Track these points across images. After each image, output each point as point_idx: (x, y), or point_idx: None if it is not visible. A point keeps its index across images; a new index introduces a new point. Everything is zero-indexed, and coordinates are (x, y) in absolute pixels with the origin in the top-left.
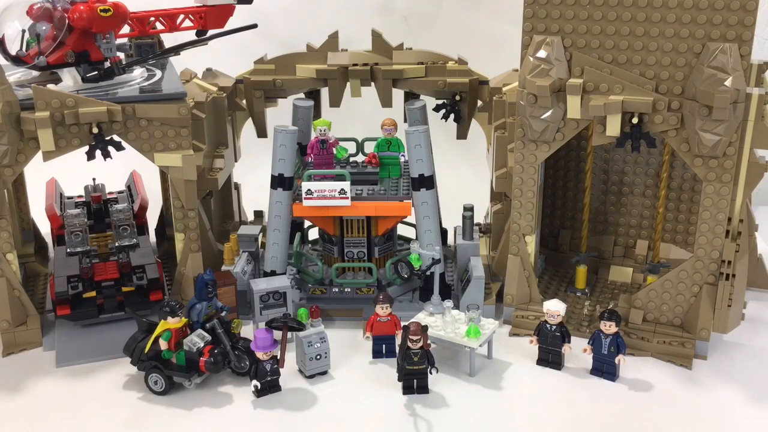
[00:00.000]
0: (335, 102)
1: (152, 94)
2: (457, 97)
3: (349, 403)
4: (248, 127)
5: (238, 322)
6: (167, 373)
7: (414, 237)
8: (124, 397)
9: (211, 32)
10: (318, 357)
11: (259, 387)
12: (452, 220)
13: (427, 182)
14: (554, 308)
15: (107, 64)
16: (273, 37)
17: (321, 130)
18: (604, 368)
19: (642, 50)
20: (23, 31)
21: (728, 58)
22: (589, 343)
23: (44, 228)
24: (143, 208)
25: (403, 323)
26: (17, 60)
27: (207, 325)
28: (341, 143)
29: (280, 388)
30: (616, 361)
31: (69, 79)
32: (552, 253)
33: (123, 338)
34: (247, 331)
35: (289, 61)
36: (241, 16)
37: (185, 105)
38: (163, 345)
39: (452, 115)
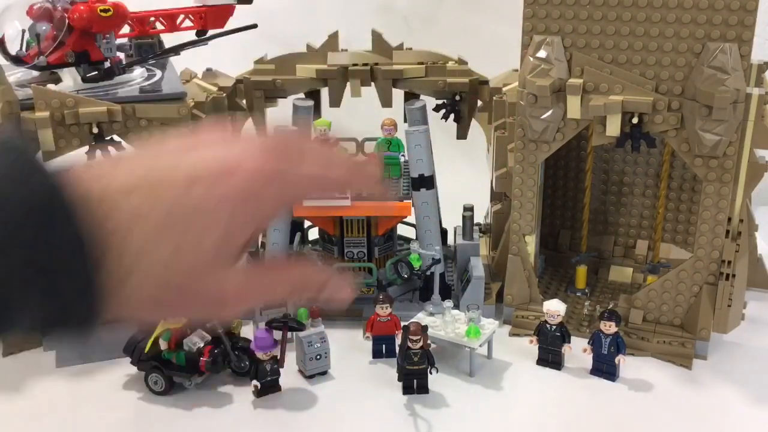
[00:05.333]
0: (335, 102)
1: (152, 95)
2: (457, 97)
3: (349, 403)
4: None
5: (238, 322)
6: (167, 373)
7: (414, 237)
8: (124, 397)
9: (211, 32)
10: (318, 357)
11: (259, 387)
12: (452, 220)
13: (427, 182)
14: (554, 308)
15: (107, 64)
16: (273, 37)
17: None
18: (604, 368)
19: (642, 50)
20: (23, 31)
21: (728, 58)
22: (589, 343)
23: None
24: None
25: (403, 323)
26: (17, 60)
27: (207, 325)
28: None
29: (280, 388)
30: (616, 361)
31: (69, 79)
32: (552, 253)
33: (123, 338)
34: (247, 331)
35: (290, 61)
36: (241, 16)
37: (185, 105)
38: (163, 345)
39: (452, 115)
